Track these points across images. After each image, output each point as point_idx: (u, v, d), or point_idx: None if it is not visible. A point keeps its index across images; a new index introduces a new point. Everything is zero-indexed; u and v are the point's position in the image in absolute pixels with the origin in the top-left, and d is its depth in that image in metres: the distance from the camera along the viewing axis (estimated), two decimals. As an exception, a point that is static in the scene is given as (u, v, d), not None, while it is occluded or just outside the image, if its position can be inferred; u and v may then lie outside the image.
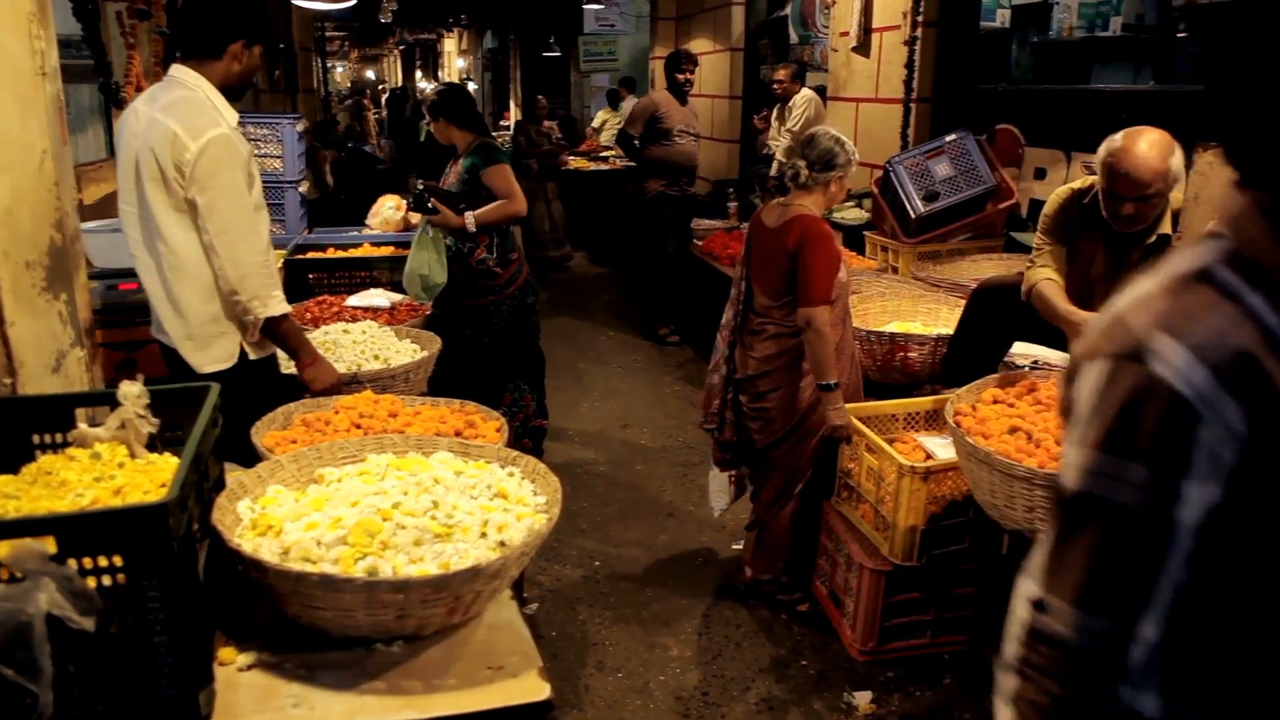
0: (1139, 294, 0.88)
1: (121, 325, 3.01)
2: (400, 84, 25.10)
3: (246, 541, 1.48)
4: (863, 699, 2.78)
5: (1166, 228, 2.63)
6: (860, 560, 2.90)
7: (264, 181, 2.57)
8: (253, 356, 2.44)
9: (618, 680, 2.91)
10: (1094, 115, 4.05)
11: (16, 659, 1.04)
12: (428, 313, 3.51)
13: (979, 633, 2.94)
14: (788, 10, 7.67)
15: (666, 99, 6.13)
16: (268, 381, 2.51)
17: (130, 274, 2.49)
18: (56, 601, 1.08)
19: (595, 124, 11.92)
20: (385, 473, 1.71)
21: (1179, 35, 5.25)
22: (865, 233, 4.93)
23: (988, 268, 4.10)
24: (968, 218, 4.38)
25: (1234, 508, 0.79)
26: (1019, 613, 0.89)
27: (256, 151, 4.29)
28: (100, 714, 1.22)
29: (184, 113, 2.25)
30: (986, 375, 2.68)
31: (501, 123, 15.24)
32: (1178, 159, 2.50)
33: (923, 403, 3.21)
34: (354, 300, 3.54)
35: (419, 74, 25.97)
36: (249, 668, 1.42)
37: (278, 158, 4.77)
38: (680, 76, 6.06)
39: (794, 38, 7.64)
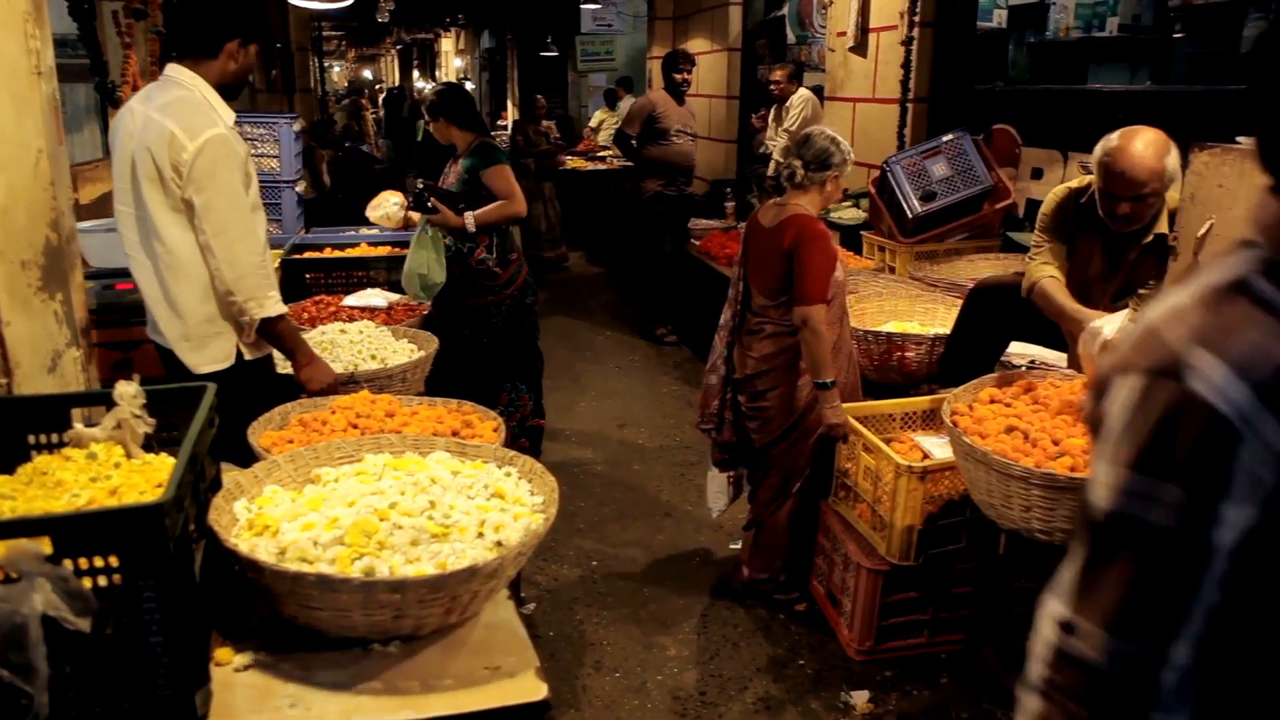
0: (1173, 306, 0.84)
1: (117, 325, 3.00)
2: (397, 84, 25.05)
3: (243, 542, 1.48)
4: (860, 698, 2.78)
5: (1163, 227, 2.64)
6: (857, 560, 2.90)
7: (261, 181, 2.56)
8: (249, 357, 2.43)
9: (615, 680, 2.91)
10: (1091, 115, 4.06)
11: (11, 660, 1.04)
12: (425, 312, 3.50)
13: (976, 632, 2.94)
14: (785, 10, 7.69)
15: (664, 99, 6.13)
16: (264, 381, 2.51)
17: (126, 274, 2.48)
18: (52, 602, 1.08)
19: (593, 124, 11.90)
20: (382, 473, 1.71)
21: (1175, 36, 5.27)
22: (862, 232, 4.94)
23: (985, 267, 4.10)
24: (965, 218, 4.38)
25: (1272, 529, 0.76)
26: (1045, 633, 0.86)
27: (253, 151, 4.30)
28: (96, 715, 1.22)
29: (181, 112, 2.24)
30: (983, 375, 2.67)
31: (499, 122, 15.21)
32: (1174, 158, 2.51)
33: (920, 402, 3.21)
34: (351, 300, 3.53)
35: (416, 74, 25.93)
36: (245, 668, 1.42)
37: (274, 157, 4.76)
38: (678, 76, 6.06)
39: (791, 38, 7.65)
